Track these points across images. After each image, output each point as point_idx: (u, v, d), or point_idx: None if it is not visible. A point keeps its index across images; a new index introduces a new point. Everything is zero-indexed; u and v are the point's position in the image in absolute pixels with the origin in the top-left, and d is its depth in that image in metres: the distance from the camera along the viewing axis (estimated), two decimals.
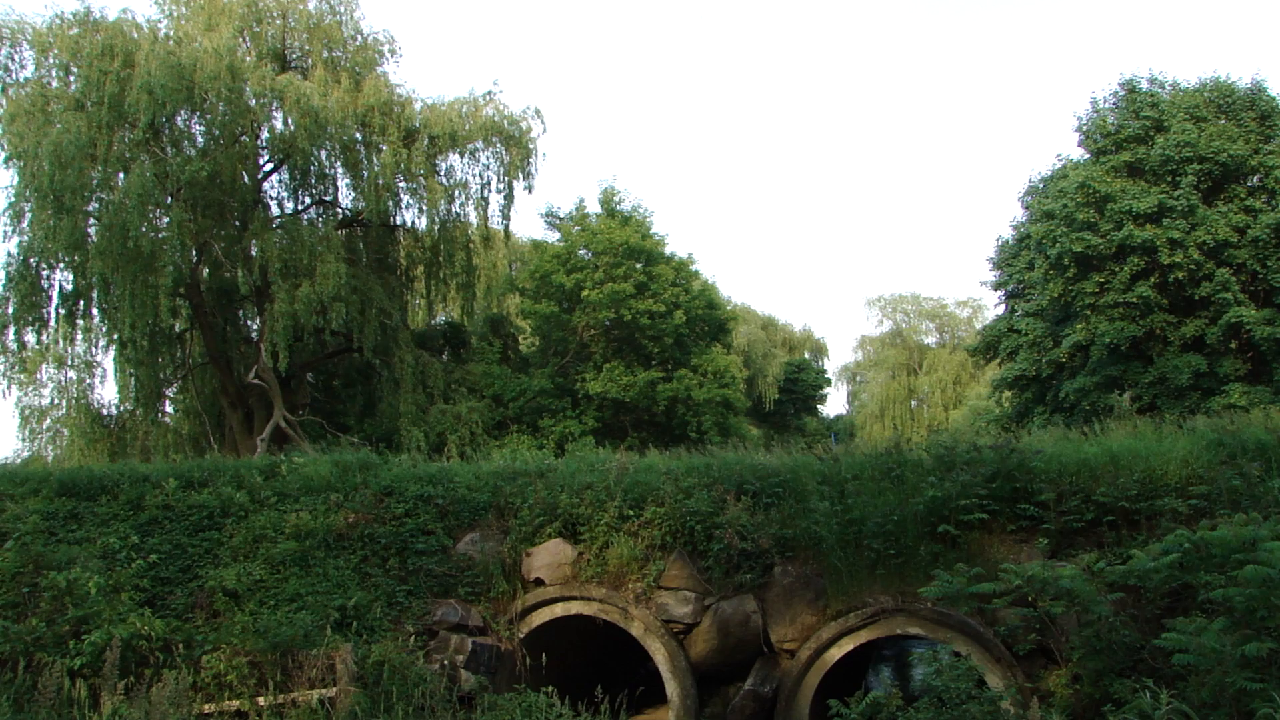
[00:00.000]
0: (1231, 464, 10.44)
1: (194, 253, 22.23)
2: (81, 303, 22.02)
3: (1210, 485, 10.07)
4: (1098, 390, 25.32)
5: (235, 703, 9.49)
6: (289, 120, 22.18)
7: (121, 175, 20.69)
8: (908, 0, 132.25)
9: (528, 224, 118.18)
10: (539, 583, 12.08)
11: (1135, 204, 23.99)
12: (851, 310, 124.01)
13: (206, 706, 9.43)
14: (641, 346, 28.52)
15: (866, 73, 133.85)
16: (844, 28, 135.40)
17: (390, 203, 24.42)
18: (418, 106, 24.49)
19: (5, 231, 20.75)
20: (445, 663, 10.67)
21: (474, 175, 25.40)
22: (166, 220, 20.99)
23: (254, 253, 22.34)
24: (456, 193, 25.21)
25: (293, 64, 23.89)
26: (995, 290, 33.64)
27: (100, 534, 11.82)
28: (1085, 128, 27.25)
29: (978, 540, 10.71)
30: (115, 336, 22.03)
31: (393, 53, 25.64)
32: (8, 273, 21.03)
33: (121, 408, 24.25)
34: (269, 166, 24.45)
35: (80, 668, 9.17)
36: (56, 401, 24.61)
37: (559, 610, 11.93)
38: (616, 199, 30.85)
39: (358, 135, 23.27)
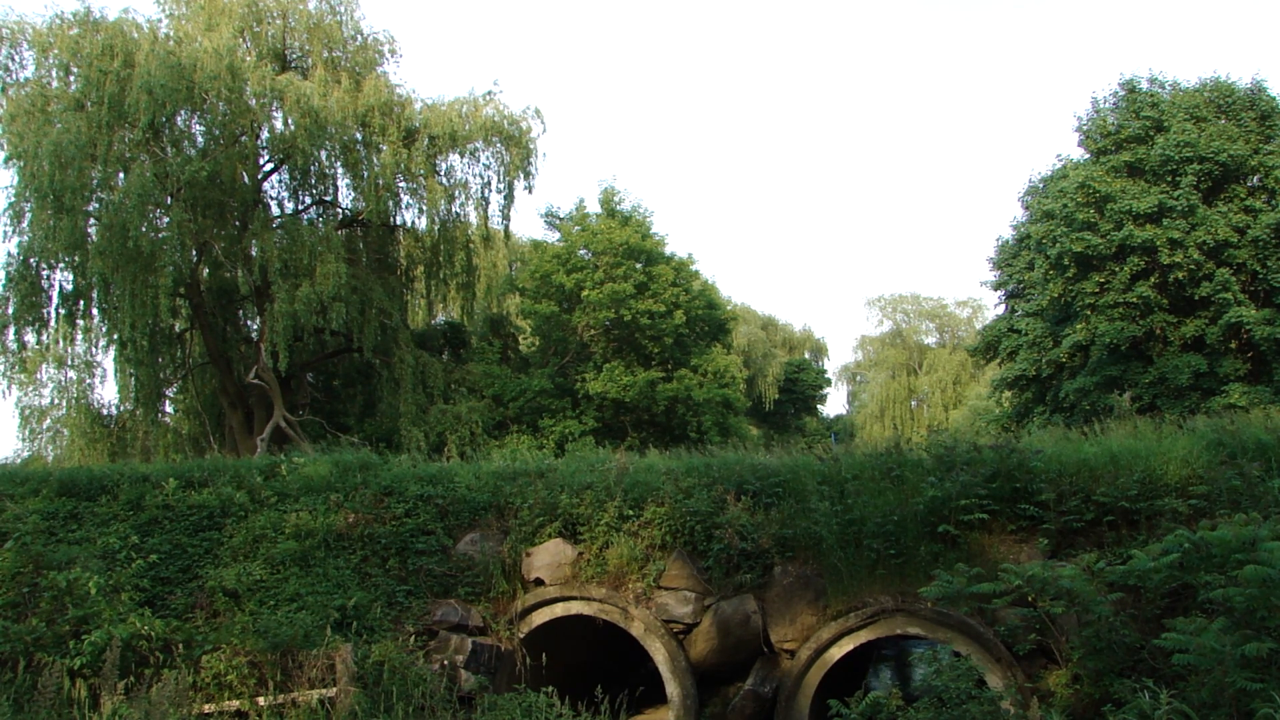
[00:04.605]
0: (1231, 464, 10.42)
1: (194, 253, 22.25)
2: (81, 303, 22.04)
3: (1210, 485, 10.05)
4: (1098, 390, 25.32)
5: (235, 703, 9.47)
6: (289, 120, 22.19)
7: (121, 175, 20.71)
8: (908, 0, 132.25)
9: (528, 224, 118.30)
10: (539, 583, 12.08)
11: (1135, 204, 23.99)
12: (851, 310, 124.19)
13: (206, 706, 9.42)
14: (641, 346, 28.50)
15: (866, 73, 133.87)
16: (844, 28, 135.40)
17: (390, 203, 24.45)
18: (418, 106, 24.51)
19: (5, 231, 20.83)
20: (445, 663, 10.67)
21: (474, 175, 25.49)
22: (166, 220, 21.01)
23: (254, 253, 22.35)
24: (456, 193, 25.25)
25: (293, 64, 23.89)
26: (995, 290, 33.69)
27: (100, 534, 11.82)
28: (1085, 128, 27.26)
29: (978, 540, 10.70)
30: (115, 336, 22.01)
31: (393, 53, 25.73)
32: (8, 273, 21.05)
33: (121, 408, 24.25)
34: (269, 166, 24.46)
35: (80, 668, 9.15)
36: (56, 401, 24.67)
37: (559, 610, 11.93)
38: (616, 199, 30.83)
39: (358, 135, 23.29)
